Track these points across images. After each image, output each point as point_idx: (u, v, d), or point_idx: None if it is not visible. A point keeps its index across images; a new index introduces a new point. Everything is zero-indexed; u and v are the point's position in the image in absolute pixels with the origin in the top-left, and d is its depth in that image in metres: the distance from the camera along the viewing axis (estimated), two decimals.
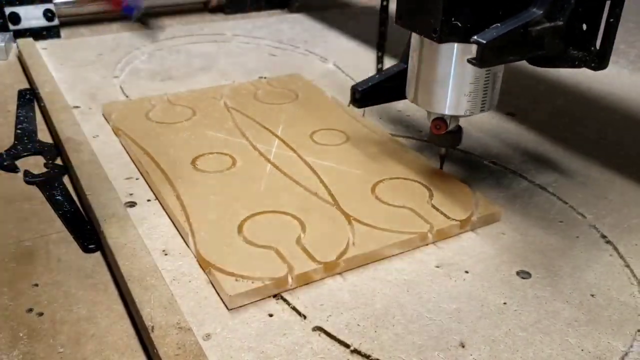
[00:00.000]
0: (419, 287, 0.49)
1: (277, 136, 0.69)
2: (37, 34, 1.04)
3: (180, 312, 0.44)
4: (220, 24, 1.16)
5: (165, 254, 0.52)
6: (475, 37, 0.46)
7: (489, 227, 0.57)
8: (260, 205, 0.56)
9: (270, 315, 0.46)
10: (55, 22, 1.05)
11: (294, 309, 0.46)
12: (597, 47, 0.50)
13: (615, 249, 0.55)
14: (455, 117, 0.57)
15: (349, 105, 0.60)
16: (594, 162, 0.69)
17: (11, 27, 1.02)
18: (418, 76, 0.56)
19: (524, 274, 0.51)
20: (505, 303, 0.48)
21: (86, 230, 0.55)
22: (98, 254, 0.53)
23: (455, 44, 0.52)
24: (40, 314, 0.46)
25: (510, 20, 0.47)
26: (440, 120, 0.56)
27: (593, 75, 0.95)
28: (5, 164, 0.66)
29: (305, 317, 0.46)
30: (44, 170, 0.65)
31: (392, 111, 0.80)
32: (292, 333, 0.44)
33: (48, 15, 1.04)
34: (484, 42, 0.46)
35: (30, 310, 0.46)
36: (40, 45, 1.01)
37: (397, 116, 0.79)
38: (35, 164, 0.66)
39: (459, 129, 0.59)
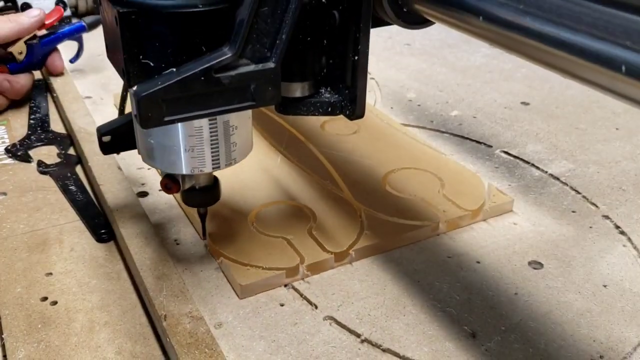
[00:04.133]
0: (430, 277, 0.49)
1: (288, 126, 0.69)
2: None
3: (192, 301, 0.44)
4: None
5: (177, 244, 0.52)
6: (134, 87, 0.35)
7: (500, 217, 0.56)
8: (271, 195, 0.56)
9: (282, 305, 0.46)
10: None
11: (305, 298, 0.47)
12: (349, 89, 0.41)
13: (629, 239, 0.54)
14: (189, 176, 0.44)
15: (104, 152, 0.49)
16: (607, 151, 0.69)
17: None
18: (135, 123, 0.44)
19: (535, 265, 0.51)
20: (516, 293, 0.47)
21: (99, 220, 0.56)
22: (111, 244, 0.53)
23: None
24: (55, 303, 0.46)
25: (192, 63, 0.36)
26: (169, 178, 0.44)
27: None
28: (18, 154, 0.66)
29: (316, 307, 0.46)
30: (57, 160, 0.66)
31: (404, 101, 0.80)
32: (303, 322, 0.44)
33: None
34: (140, 94, 0.34)
35: (45, 299, 0.47)
36: None
37: (408, 106, 0.78)
38: (49, 154, 0.67)
39: (214, 183, 0.46)
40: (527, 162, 0.66)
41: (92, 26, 0.84)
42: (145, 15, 0.35)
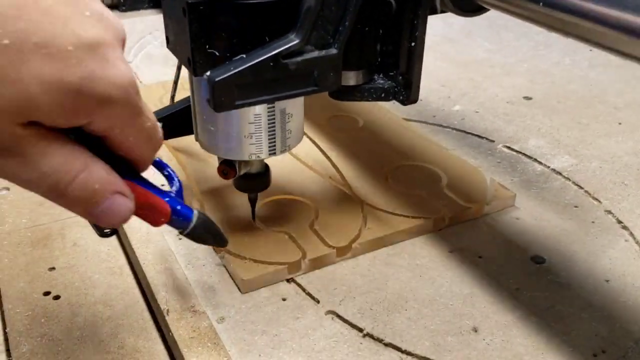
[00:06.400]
0: (432, 272, 0.49)
1: None
2: None
3: (195, 295, 0.45)
4: None
5: (180, 239, 0.52)
6: (208, 72, 0.37)
7: (503, 212, 0.56)
8: (274, 190, 0.56)
9: (284, 299, 0.46)
10: None
11: (307, 293, 0.47)
12: (404, 76, 0.42)
13: (631, 234, 0.54)
14: (245, 162, 0.47)
15: None
16: (609, 146, 0.69)
17: None
18: (194, 111, 0.46)
19: (538, 259, 0.51)
20: (518, 288, 0.47)
21: None
22: (113, 238, 0.53)
23: None
24: (57, 297, 0.46)
25: (260, 50, 0.37)
26: (226, 164, 0.46)
27: (609, 59, 0.93)
28: None
29: (318, 301, 0.46)
30: None
31: None
32: (305, 317, 0.44)
33: None
34: (215, 79, 0.36)
35: (48, 293, 0.47)
36: None
37: None
38: None
39: (265, 170, 0.49)
40: (529, 157, 0.66)
41: None
42: (213, 6, 0.37)
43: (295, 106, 0.45)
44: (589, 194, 0.60)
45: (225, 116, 0.43)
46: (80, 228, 0.54)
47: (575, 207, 0.58)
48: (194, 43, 0.38)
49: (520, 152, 0.67)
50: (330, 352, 0.42)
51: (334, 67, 0.39)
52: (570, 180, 0.62)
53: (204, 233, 0.35)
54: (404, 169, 0.61)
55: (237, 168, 0.46)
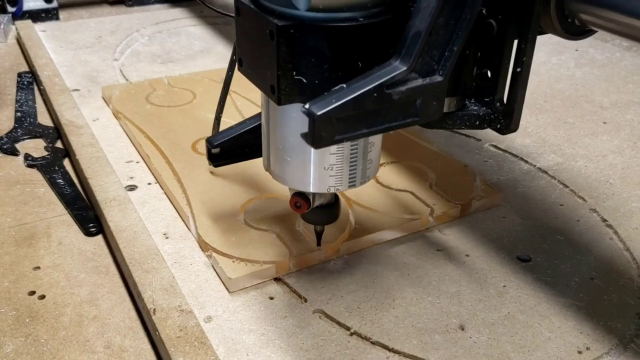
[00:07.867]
0: (419, 270, 0.49)
1: None
2: (36, 16, 1.03)
3: (182, 294, 0.44)
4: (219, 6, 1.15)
5: (166, 237, 0.52)
6: (306, 105, 0.32)
7: (489, 210, 0.57)
8: (261, 189, 0.56)
9: (271, 298, 0.46)
10: (54, 4, 1.05)
11: (294, 292, 0.47)
12: (503, 102, 0.37)
13: (616, 232, 0.55)
14: (319, 194, 0.44)
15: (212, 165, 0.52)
16: (595, 145, 0.69)
17: (9, 9, 1.02)
18: (269, 140, 0.42)
19: (524, 258, 0.51)
20: (504, 286, 0.48)
21: (87, 214, 0.55)
22: (99, 237, 0.53)
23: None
24: (42, 297, 0.46)
25: (362, 79, 0.33)
26: (300, 196, 0.43)
27: (595, 58, 0.94)
28: (5, 147, 0.66)
29: (306, 300, 0.46)
30: (45, 153, 0.65)
31: None
32: (293, 316, 0.44)
33: None
34: (317, 113, 0.31)
35: (32, 293, 0.46)
36: (39, 27, 1.00)
37: None
38: (36, 147, 0.66)
39: (335, 200, 0.45)
40: (516, 156, 0.67)
41: None
42: (305, 30, 0.34)
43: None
44: (574, 193, 0.60)
45: (305, 147, 0.38)
46: (65, 227, 0.54)
47: (561, 205, 0.58)
48: (281, 69, 0.34)
49: (507, 151, 0.68)
50: (318, 351, 0.42)
51: (438, 96, 0.35)
52: (555, 179, 0.63)
53: None
54: (392, 167, 0.61)
55: (311, 200, 0.43)
